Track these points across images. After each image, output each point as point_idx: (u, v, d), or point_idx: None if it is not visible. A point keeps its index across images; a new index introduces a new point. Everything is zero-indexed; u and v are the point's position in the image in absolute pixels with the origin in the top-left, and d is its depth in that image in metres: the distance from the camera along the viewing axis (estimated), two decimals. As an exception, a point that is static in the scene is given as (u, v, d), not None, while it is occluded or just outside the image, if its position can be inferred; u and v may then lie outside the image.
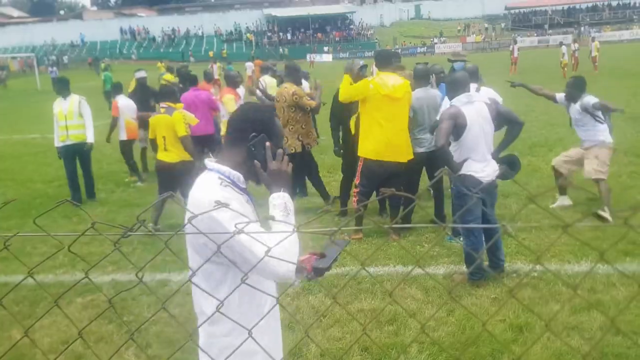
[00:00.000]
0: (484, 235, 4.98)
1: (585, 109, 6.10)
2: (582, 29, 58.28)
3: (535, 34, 60.56)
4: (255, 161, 1.98)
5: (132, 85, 10.88)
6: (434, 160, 5.98)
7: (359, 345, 4.00)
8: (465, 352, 3.82)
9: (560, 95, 6.52)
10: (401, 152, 5.93)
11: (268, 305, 2.03)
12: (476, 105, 4.74)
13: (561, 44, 29.82)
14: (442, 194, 6.51)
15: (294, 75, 7.44)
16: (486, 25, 70.08)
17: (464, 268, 5.12)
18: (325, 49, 62.27)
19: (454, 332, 4.11)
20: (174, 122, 6.51)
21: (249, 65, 29.41)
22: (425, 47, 59.03)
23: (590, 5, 68.80)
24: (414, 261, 5.32)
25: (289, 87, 7.07)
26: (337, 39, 67.91)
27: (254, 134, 1.99)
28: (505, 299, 4.48)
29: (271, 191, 1.98)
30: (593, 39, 28.66)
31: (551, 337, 3.90)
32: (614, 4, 68.57)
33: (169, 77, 13.58)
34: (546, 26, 65.59)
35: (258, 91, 8.71)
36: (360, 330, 4.16)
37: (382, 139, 5.84)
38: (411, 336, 4.05)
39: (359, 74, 6.64)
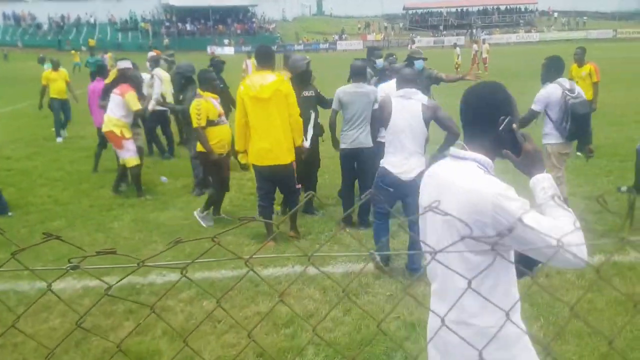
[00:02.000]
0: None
1: None
2: (474, 31, 61.55)
3: (432, 34, 63.16)
4: (504, 149, 1.89)
5: (112, 75, 9.65)
6: (358, 157, 6.13)
7: (254, 351, 3.90)
8: (360, 352, 3.82)
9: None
10: (277, 155, 5.70)
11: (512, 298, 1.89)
12: (410, 102, 4.80)
13: (455, 45, 31.27)
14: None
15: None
16: (385, 24, 72.21)
17: (359, 266, 5.17)
18: (226, 41, 61.30)
19: (350, 332, 4.11)
20: (190, 112, 6.44)
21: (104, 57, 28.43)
22: (328, 44, 59.80)
23: (481, 8, 72.86)
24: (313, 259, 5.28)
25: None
26: (238, 31, 67.07)
27: (502, 117, 1.87)
28: (400, 297, 4.55)
29: (531, 174, 1.88)
30: (484, 41, 30.36)
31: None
32: (503, 8, 73.10)
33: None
34: (441, 27, 68.65)
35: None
36: (255, 335, 4.05)
37: (257, 144, 5.70)
38: (308, 338, 4.00)
39: (307, 71, 6.66)
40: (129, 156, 7.63)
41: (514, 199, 1.74)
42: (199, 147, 6.62)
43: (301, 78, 6.56)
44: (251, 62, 20.48)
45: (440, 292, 1.98)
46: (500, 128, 1.87)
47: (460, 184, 1.83)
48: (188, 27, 67.49)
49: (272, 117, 5.58)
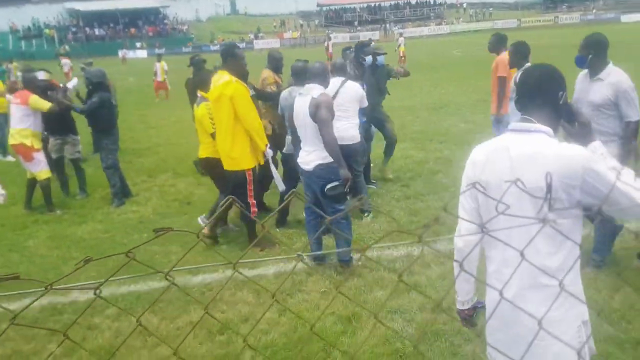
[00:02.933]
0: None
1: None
2: (387, 25, 62.97)
3: (347, 30, 63.98)
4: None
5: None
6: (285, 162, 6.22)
7: (190, 362, 3.78)
8: (298, 351, 3.78)
9: None
10: (224, 160, 5.53)
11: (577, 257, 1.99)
12: (305, 98, 4.81)
13: (370, 40, 31.80)
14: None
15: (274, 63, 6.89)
16: (301, 21, 72.49)
17: (291, 265, 5.14)
18: (138, 44, 59.39)
19: (286, 332, 4.06)
20: (200, 116, 5.93)
21: (66, 62, 27.19)
22: (244, 43, 59.22)
23: (393, 3, 74.66)
24: (239, 265, 5.19)
25: (264, 73, 6.67)
26: (150, 34, 65.12)
27: (561, 92, 2.04)
28: (334, 294, 4.55)
29: (585, 143, 2.05)
30: (400, 35, 31.14)
31: (377, 323, 4.04)
32: (414, 2, 75.28)
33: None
34: (356, 23, 69.73)
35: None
36: (189, 346, 3.93)
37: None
38: (243, 344, 3.91)
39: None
40: (40, 169, 7.20)
41: (602, 161, 1.92)
42: (205, 153, 6.12)
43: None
44: (160, 66, 19.89)
45: (509, 260, 1.99)
46: (561, 102, 2.05)
47: (547, 152, 1.93)
48: (97, 31, 64.74)
49: (218, 120, 5.42)
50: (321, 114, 4.69)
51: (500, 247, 1.99)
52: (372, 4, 75.01)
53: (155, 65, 20.13)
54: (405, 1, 75.19)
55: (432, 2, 75.91)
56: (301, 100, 4.89)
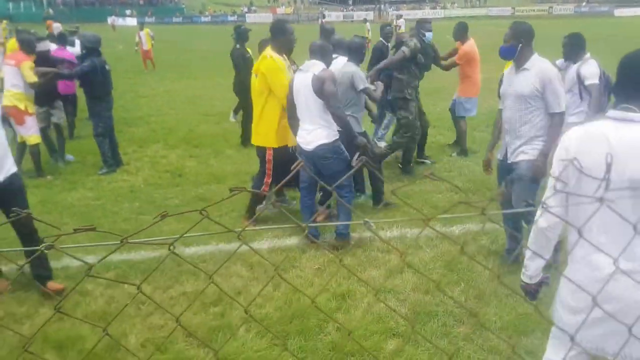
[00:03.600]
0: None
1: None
2: (382, 6, 62.49)
3: (341, 9, 63.46)
4: None
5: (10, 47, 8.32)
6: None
7: (183, 332, 3.79)
8: (292, 326, 3.82)
9: None
10: (252, 133, 5.57)
11: None
12: (306, 75, 4.76)
13: (365, 20, 31.59)
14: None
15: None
16: (295, -3, 71.64)
17: (288, 241, 5.16)
18: (128, 12, 58.34)
19: (280, 306, 4.09)
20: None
21: (57, 26, 26.47)
22: (236, 16, 58.49)
23: (387, -16, 73.96)
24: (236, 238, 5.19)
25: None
26: (140, 2, 63.97)
27: None
28: (332, 270, 4.58)
29: None
30: (399, 17, 30.95)
31: (371, 302, 4.09)
32: (408, -16, 74.67)
33: None
34: (350, 2, 69.11)
35: None
36: (184, 316, 3.94)
37: None
38: (238, 316, 3.94)
39: None
40: (31, 133, 7.09)
41: None
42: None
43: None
44: (145, 34, 19.49)
45: (603, 245, 1.96)
46: None
47: None
48: (87, -4, 63.53)
49: (255, 95, 5.41)
50: (328, 87, 4.67)
51: (595, 232, 2.04)
52: (367, -16, 74.33)
53: (139, 33, 19.75)
54: (401, -17, 74.68)
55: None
56: (301, 76, 4.84)
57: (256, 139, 5.49)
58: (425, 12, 58.36)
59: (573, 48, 5.67)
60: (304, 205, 5.23)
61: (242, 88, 8.43)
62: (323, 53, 4.96)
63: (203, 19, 56.74)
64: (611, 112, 2.10)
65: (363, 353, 3.49)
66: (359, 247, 5.01)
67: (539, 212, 2.25)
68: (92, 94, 7.46)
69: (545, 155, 4.10)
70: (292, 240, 5.20)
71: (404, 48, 6.62)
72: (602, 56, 5.75)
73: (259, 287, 4.33)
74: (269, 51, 5.23)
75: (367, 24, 28.63)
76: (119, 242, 1.02)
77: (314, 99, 4.72)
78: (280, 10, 63.20)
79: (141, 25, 20.52)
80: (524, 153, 4.23)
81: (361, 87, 5.48)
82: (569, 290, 2.22)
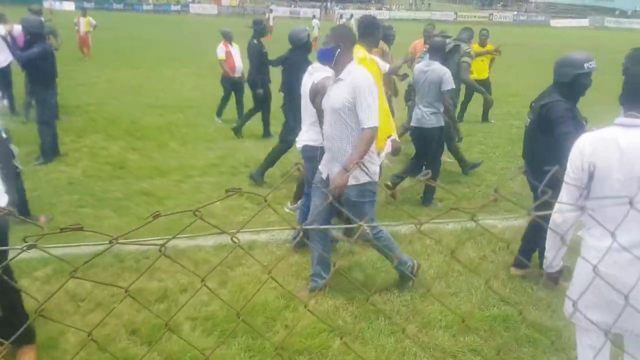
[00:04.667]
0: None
1: None
2: (328, 4, 62.71)
3: (287, 5, 63.17)
4: None
5: None
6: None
7: (126, 329, 3.68)
8: (239, 324, 3.76)
9: None
10: None
11: None
12: (310, 77, 4.67)
13: (313, 16, 31.60)
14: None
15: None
16: (241, -10, 70.72)
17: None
18: (65, -5, 55.95)
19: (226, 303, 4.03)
20: None
21: None
22: (180, 6, 57.24)
23: (335, -18, 74.28)
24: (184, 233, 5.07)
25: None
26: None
27: None
28: (280, 267, 4.55)
29: None
30: (341, 16, 31.06)
31: (319, 300, 4.09)
32: (355, -16, 75.28)
33: None
34: (297, -2, 68.94)
35: None
36: (126, 313, 3.82)
37: None
38: (183, 313, 3.85)
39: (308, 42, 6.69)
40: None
41: None
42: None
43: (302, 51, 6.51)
44: (85, 21, 18.76)
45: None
46: None
47: None
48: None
49: None
50: (318, 102, 4.44)
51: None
52: (314, -19, 74.35)
53: (79, 19, 18.96)
54: (348, -18, 75.19)
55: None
56: (307, 79, 4.75)
57: None
58: (371, 13, 59.06)
59: None
60: (304, 206, 5.08)
61: (256, 83, 8.67)
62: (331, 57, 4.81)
63: (145, 6, 55.19)
64: (619, 120, 2.31)
65: (311, 352, 3.49)
66: (307, 246, 5.00)
67: (555, 209, 2.44)
68: (39, 80, 7.11)
69: (346, 170, 3.70)
70: (240, 237, 5.12)
71: (467, 59, 6.94)
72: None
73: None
74: (363, 51, 4.82)
75: (315, 20, 28.64)
76: (107, 242, 0.97)
77: (309, 104, 4.64)
78: (226, 2, 62.19)
79: (83, 12, 19.68)
80: (352, 177, 3.80)
81: (448, 88, 5.82)
82: (582, 278, 2.45)
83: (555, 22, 57.89)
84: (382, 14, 58.73)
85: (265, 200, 1.24)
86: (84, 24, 18.82)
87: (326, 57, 3.87)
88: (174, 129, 9.39)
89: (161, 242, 1.06)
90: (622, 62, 3.15)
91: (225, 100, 10.05)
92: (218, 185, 6.61)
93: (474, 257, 4.93)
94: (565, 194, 2.42)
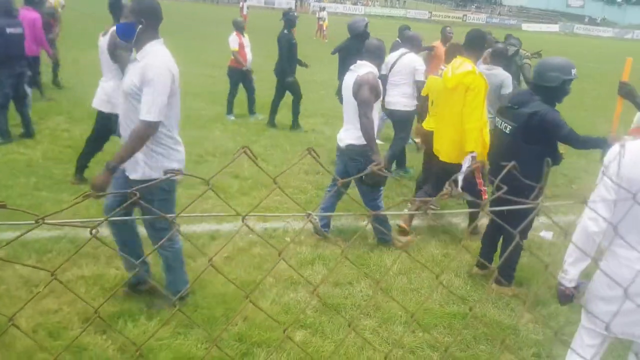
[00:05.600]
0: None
1: None
2: (305, -3, 62.30)
3: (262, -5, 62.51)
4: None
5: None
6: None
7: (79, 317, 3.57)
8: (198, 314, 3.70)
9: None
10: (449, 150, 5.03)
11: None
12: (352, 74, 4.71)
13: (290, 9, 31.31)
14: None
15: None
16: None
17: (195, 227, 4.99)
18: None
19: (190, 291, 3.95)
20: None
21: None
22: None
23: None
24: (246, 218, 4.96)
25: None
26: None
27: None
28: (242, 259, 4.49)
29: None
30: (323, 9, 30.97)
31: (279, 291, 4.05)
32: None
33: None
34: (272, -12, 68.32)
35: None
36: (80, 301, 3.70)
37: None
38: (144, 300, 3.76)
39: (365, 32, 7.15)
40: None
41: None
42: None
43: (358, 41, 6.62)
44: (55, 1, 18.19)
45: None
46: None
47: None
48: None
49: (449, 109, 4.90)
50: (362, 93, 4.53)
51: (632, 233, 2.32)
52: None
53: None
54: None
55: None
56: (349, 76, 4.77)
57: (458, 157, 4.90)
58: (347, 7, 59.04)
59: None
60: (327, 195, 5.36)
61: (283, 73, 8.78)
62: (375, 54, 4.80)
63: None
64: None
65: (270, 344, 3.44)
66: (272, 238, 4.96)
67: (586, 217, 2.38)
68: None
69: (107, 168, 3.25)
70: (202, 227, 5.06)
71: (528, 61, 7.34)
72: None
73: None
74: (471, 65, 4.81)
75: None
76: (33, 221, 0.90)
77: (352, 100, 4.63)
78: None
79: None
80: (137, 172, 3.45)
81: (509, 91, 5.88)
82: (603, 283, 2.45)
83: (527, 26, 58.84)
84: (357, 9, 58.81)
85: (275, 182, 1.19)
86: (54, 3, 18.26)
87: (125, 33, 3.38)
88: (140, 114, 9.19)
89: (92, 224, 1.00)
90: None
91: (232, 94, 9.73)
92: (183, 173, 6.49)
93: (436, 254, 4.95)
94: (602, 205, 2.34)
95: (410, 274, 4.51)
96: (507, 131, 4.04)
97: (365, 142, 4.59)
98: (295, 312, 3.82)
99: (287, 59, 8.76)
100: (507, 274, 4.29)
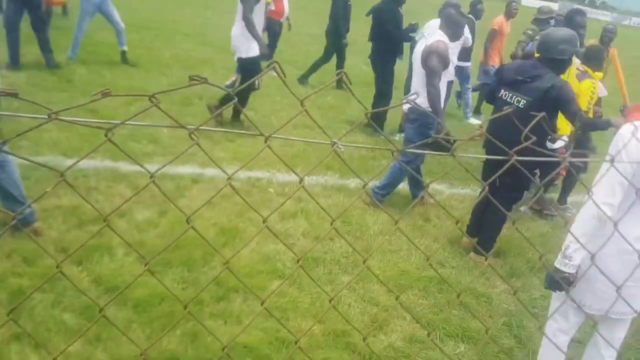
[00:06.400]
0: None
1: None
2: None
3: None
4: None
5: None
6: None
7: (56, 246, 3.53)
8: (176, 254, 3.67)
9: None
10: None
11: None
12: (424, 42, 4.71)
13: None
14: None
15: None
16: None
17: (179, 169, 4.92)
18: None
19: (164, 233, 3.91)
20: (579, 91, 4.75)
21: None
22: None
23: None
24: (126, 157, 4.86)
25: None
26: None
27: None
28: (225, 205, 4.45)
29: None
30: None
31: (261, 241, 4.03)
32: None
33: None
34: None
35: None
36: (57, 230, 3.64)
37: None
38: (117, 237, 3.70)
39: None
40: None
41: None
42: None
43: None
44: None
45: None
46: None
47: None
48: None
49: None
50: (431, 61, 4.53)
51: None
52: None
53: None
54: None
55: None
56: (420, 43, 4.79)
57: None
58: None
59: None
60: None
61: (338, 34, 8.63)
62: (448, 24, 4.81)
63: None
64: None
65: (247, 290, 3.44)
66: (255, 187, 4.91)
67: (600, 202, 2.30)
68: None
69: None
70: (185, 169, 4.98)
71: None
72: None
73: (143, 212, 4.12)
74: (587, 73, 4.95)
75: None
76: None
77: (420, 68, 4.64)
78: None
79: None
80: None
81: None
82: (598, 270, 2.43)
83: (527, 1, 58.30)
84: None
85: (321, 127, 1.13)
86: None
87: None
88: (129, 48, 8.92)
89: (109, 126, 0.94)
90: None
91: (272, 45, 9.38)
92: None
93: (417, 219, 4.96)
94: (619, 190, 2.31)
95: (391, 235, 4.52)
96: (520, 105, 3.92)
97: (427, 108, 4.63)
98: (273, 262, 3.82)
99: (342, 20, 8.61)
100: (488, 244, 4.33)
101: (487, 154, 4.31)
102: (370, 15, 7.18)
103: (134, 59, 8.37)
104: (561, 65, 3.90)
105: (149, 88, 7.16)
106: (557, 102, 3.82)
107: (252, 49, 5.92)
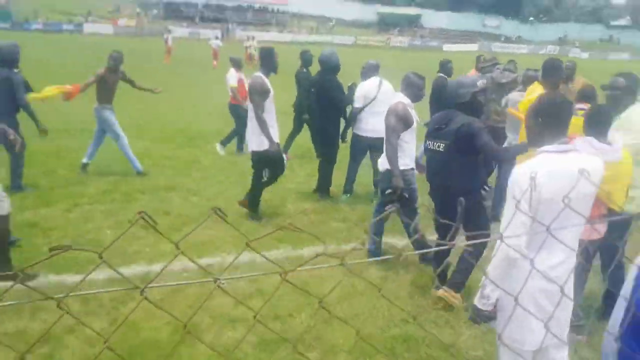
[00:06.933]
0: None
1: None
2: (230, 26, 62.44)
3: (187, 26, 62.19)
4: None
5: None
6: None
7: None
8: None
9: None
10: None
11: None
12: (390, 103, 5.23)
13: (216, 37, 31.28)
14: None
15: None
16: (138, 10, 68.78)
17: (125, 270, 4.77)
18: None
19: (117, 343, 3.75)
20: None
21: None
22: (73, 25, 54.62)
23: (236, 4, 74.22)
24: (70, 268, 4.70)
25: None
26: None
27: None
28: (176, 299, 4.31)
29: None
30: (253, 38, 31.29)
31: (217, 331, 3.91)
32: (256, 6, 75.71)
33: None
34: (197, 19, 68.14)
35: None
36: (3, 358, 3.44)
37: None
38: (69, 356, 3.52)
39: None
40: None
41: None
42: None
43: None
44: None
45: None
46: None
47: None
48: None
49: None
50: (388, 120, 4.96)
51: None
52: (215, 3, 73.90)
53: None
54: (249, 5, 75.31)
55: (275, 9, 77.05)
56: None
57: None
58: (272, 35, 59.52)
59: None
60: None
61: (301, 109, 8.79)
62: (407, 86, 5.21)
63: (34, 25, 51.98)
64: (554, 147, 2.48)
65: (209, 388, 3.30)
66: (207, 275, 4.80)
67: (505, 245, 2.34)
68: None
69: None
70: (131, 270, 4.84)
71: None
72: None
73: (95, 324, 3.94)
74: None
75: (216, 41, 28.51)
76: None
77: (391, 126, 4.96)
78: (122, 22, 59.88)
79: None
80: None
81: None
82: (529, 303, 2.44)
83: (448, 47, 61.26)
84: (284, 37, 59.45)
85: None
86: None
87: None
88: (63, 154, 8.82)
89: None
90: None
91: (236, 131, 9.57)
92: (110, 213, 6.25)
93: (375, 277, 4.95)
94: (520, 224, 2.38)
95: (351, 299, 4.48)
96: (441, 149, 4.26)
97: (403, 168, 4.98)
98: (234, 352, 3.70)
99: (306, 97, 8.71)
100: (459, 283, 4.43)
101: (433, 201, 4.49)
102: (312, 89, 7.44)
103: (70, 163, 8.25)
104: (468, 107, 4.23)
105: (86, 191, 7.04)
106: (469, 137, 4.10)
107: (264, 143, 6.03)
